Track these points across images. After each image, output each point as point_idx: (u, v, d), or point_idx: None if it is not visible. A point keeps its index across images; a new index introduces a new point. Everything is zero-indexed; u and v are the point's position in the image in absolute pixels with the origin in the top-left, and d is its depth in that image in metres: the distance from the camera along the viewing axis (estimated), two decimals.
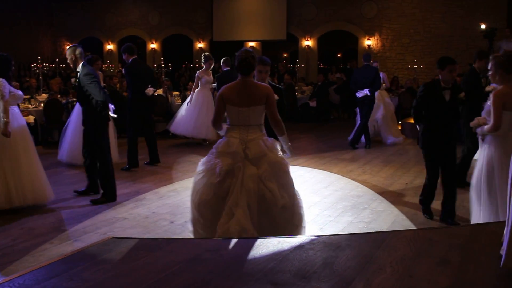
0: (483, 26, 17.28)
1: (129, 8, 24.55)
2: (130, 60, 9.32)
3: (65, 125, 9.43)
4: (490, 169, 5.29)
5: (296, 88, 17.76)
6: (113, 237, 5.11)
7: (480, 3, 18.50)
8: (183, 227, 5.92)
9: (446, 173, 6.35)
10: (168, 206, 6.89)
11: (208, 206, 4.90)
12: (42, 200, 6.90)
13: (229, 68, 11.05)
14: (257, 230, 4.78)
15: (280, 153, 5.13)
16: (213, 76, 11.71)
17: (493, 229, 4.76)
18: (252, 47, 22.59)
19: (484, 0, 18.43)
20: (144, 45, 24.54)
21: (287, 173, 5.05)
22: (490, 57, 5.56)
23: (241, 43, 22.90)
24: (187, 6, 23.25)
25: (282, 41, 22.87)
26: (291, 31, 21.77)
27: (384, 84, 12.85)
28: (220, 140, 5.10)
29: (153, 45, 24.24)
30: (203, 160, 5.10)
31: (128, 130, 9.52)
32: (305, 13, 21.35)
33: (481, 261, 3.92)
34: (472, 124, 5.58)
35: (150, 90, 9.39)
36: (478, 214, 5.46)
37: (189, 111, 11.53)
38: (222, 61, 11.40)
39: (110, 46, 25.06)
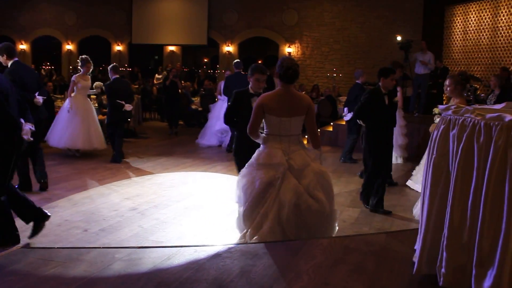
0: (399, 38, 17.86)
1: (44, 7, 23.68)
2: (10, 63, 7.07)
3: None
4: None
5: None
6: (22, 247, 4.91)
7: (397, 15, 19.10)
8: (98, 235, 5.72)
9: (385, 169, 7.01)
10: (82, 213, 6.63)
11: (246, 215, 4.80)
12: None
13: (117, 76, 10.13)
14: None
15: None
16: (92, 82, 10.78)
17: (406, 236, 4.92)
18: (172, 51, 22.43)
19: (400, 12, 19.05)
20: (59, 46, 23.79)
21: (329, 182, 4.96)
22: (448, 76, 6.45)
23: (161, 46, 22.70)
24: (105, 6, 22.70)
25: (202, 46, 22.81)
26: (212, 36, 21.72)
27: None
28: (259, 150, 4.92)
29: (69, 46, 23.53)
30: (243, 172, 4.91)
31: None
32: (226, 19, 21.38)
33: (395, 268, 4.02)
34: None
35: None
36: None
37: (68, 120, 10.17)
38: (109, 68, 10.24)
39: (23, 46, 24.09)
